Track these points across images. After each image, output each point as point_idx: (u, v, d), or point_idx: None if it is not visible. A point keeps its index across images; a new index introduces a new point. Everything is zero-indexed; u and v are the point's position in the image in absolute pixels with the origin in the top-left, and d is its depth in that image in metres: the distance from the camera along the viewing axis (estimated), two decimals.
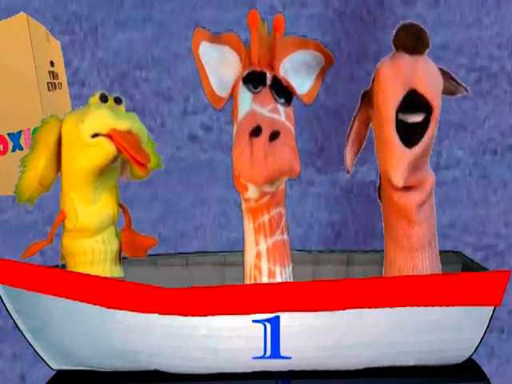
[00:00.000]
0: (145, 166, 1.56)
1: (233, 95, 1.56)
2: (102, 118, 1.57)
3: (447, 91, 1.58)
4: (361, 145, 1.62)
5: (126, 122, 1.57)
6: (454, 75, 1.57)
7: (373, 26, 2.34)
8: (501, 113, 2.35)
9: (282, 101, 1.53)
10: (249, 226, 1.58)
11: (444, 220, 2.20)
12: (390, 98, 1.48)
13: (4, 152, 2.00)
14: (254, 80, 1.52)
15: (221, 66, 1.55)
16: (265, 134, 1.43)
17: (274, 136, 1.43)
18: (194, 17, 2.33)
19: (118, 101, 1.64)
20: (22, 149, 1.97)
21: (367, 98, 1.57)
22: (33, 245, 1.71)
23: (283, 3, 2.32)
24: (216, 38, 1.54)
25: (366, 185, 2.35)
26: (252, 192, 1.54)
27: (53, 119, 1.62)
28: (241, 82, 1.53)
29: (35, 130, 1.88)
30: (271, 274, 1.55)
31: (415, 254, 1.58)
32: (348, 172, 1.61)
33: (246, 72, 1.54)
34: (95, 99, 1.61)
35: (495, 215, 2.35)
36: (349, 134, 1.59)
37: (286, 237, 1.59)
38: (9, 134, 1.99)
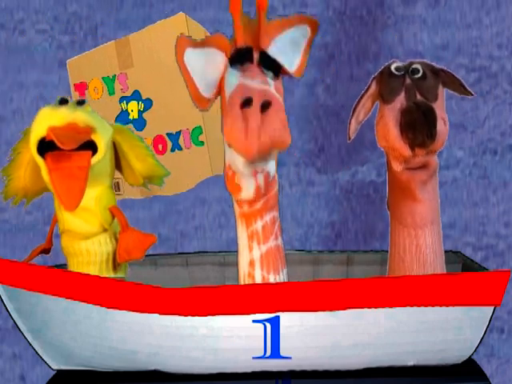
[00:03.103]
0: (67, 207, 1.52)
1: (219, 93, 1.52)
2: (40, 118, 1.53)
3: (452, 89, 1.62)
4: (365, 116, 1.64)
5: (65, 110, 1.52)
6: (463, 82, 1.60)
7: (373, 26, 2.34)
8: (501, 113, 2.35)
9: (271, 74, 1.50)
10: (242, 232, 1.56)
11: (444, 220, 2.20)
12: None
13: (163, 152, 2.00)
14: (240, 57, 1.49)
15: (207, 67, 1.51)
16: (256, 105, 1.40)
17: (266, 106, 1.41)
18: (194, 17, 2.32)
19: (80, 103, 1.59)
20: (181, 149, 1.97)
21: (377, 79, 1.61)
22: (34, 250, 1.72)
23: (283, 3, 2.32)
24: (200, 43, 1.52)
25: (365, 185, 2.35)
26: (246, 191, 1.51)
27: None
28: (228, 67, 1.50)
29: (194, 130, 1.89)
30: (265, 281, 1.55)
31: (419, 233, 1.60)
32: (349, 139, 1.62)
33: (232, 51, 1.50)
34: (56, 103, 1.58)
35: (495, 215, 2.35)
36: (356, 105, 1.62)
37: (279, 241, 1.57)
38: (168, 134, 1.99)
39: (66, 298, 1.54)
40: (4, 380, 1.82)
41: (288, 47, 1.55)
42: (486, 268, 1.66)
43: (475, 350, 1.60)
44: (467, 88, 1.61)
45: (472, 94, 1.62)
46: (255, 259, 1.55)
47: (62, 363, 1.65)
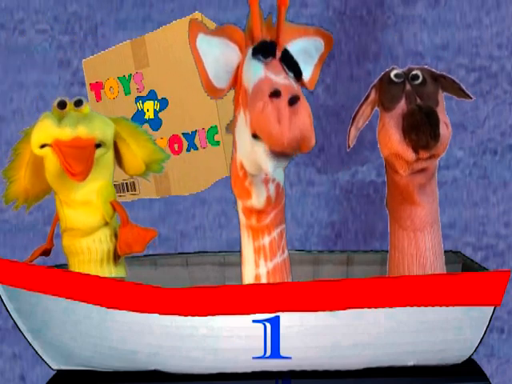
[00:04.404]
0: (76, 176, 1.52)
1: (233, 86, 1.48)
2: (44, 128, 1.55)
3: (451, 94, 1.62)
4: (364, 123, 1.64)
5: (69, 129, 1.54)
6: (462, 86, 1.60)
7: (373, 26, 2.34)
8: (501, 113, 2.35)
9: (292, 75, 1.42)
10: (248, 244, 1.53)
11: (444, 220, 2.21)
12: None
13: (179, 151, 1.99)
14: (264, 50, 1.42)
15: (219, 57, 1.46)
16: (284, 98, 1.31)
17: (294, 100, 1.31)
18: None
19: (77, 104, 1.60)
20: (196, 149, 1.96)
21: (377, 87, 1.61)
22: (35, 250, 1.73)
23: None
24: (213, 32, 1.47)
25: (365, 185, 2.35)
26: (257, 198, 1.48)
27: (31, 130, 1.60)
28: (248, 57, 1.44)
29: (210, 130, 1.90)
30: None
31: (418, 235, 1.60)
32: (349, 147, 1.62)
33: (256, 43, 1.44)
34: (54, 107, 1.59)
35: (495, 215, 2.35)
36: (356, 114, 1.61)
37: (286, 254, 1.55)
38: (183, 134, 1.98)
39: (66, 298, 1.54)
40: (4, 380, 1.82)
41: (300, 56, 1.50)
42: (486, 268, 1.66)
43: (475, 350, 1.60)
44: (466, 92, 1.61)
45: (471, 98, 1.62)
46: (261, 275, 1.53)
47: (62, 363, 1.65)
